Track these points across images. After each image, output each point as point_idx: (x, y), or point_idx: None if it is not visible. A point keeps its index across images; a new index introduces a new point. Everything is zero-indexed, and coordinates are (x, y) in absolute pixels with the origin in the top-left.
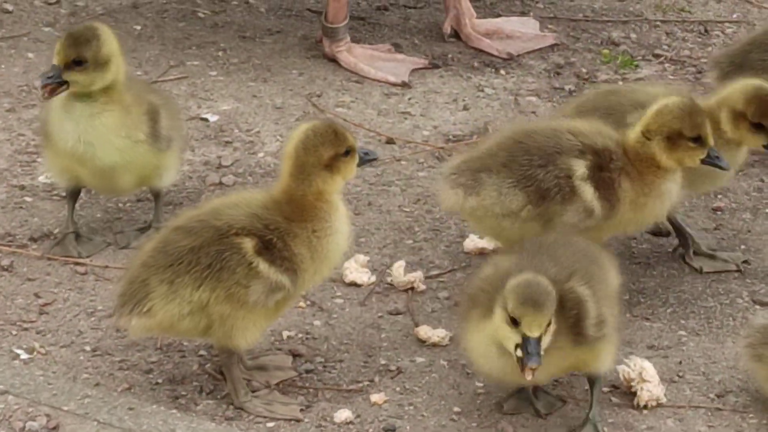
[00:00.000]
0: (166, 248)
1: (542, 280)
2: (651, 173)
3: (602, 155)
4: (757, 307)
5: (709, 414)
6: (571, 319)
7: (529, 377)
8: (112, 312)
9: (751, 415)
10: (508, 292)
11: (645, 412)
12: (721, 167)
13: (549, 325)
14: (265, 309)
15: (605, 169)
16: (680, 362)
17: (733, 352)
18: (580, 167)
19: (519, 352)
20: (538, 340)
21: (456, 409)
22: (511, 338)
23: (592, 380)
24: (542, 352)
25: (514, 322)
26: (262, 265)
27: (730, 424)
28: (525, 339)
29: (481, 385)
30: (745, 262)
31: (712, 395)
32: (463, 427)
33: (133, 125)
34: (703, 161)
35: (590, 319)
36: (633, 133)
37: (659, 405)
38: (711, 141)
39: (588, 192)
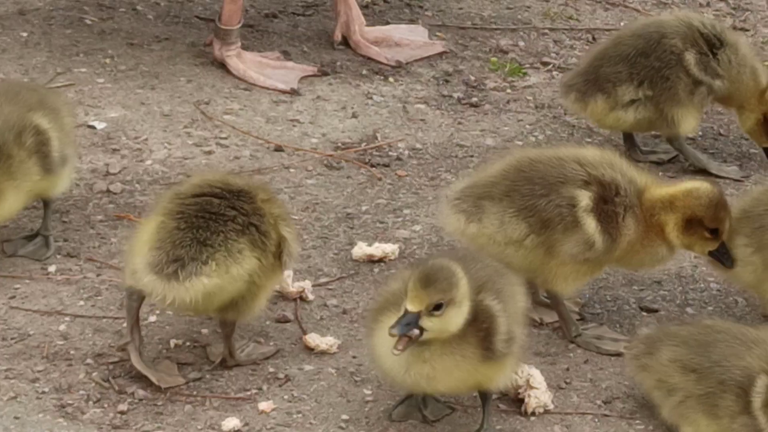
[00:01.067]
0: None
1: (452, 265)
2: (655, 233)
3: (608, 187)
4: (644, 313)
5: (596, 420)
6: (482, 333)
7: (395, 351)
8: None
9: (637, 421)
10: (414, 272)
11: (533, 418)
12: (726, 265)
13: (438, 308)
14: None
15: (610, 202)
16: (567, 369)
17: (619, 359)
18: (584, 198)
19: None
20: (416, 315)
21: (344, 416)
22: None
23: (485, 394)
24: (416, 332)
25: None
26: None
27: (617, 430)
28: (405, 311)
29: (370, 392)
30: None
31: (599, 401)
32: None
33: (23, 176)
34: (710, 253)
35: (500, 334)
36: (656, 192)
37: (547, 411)
38: (726, 237)
39: (590, 224)
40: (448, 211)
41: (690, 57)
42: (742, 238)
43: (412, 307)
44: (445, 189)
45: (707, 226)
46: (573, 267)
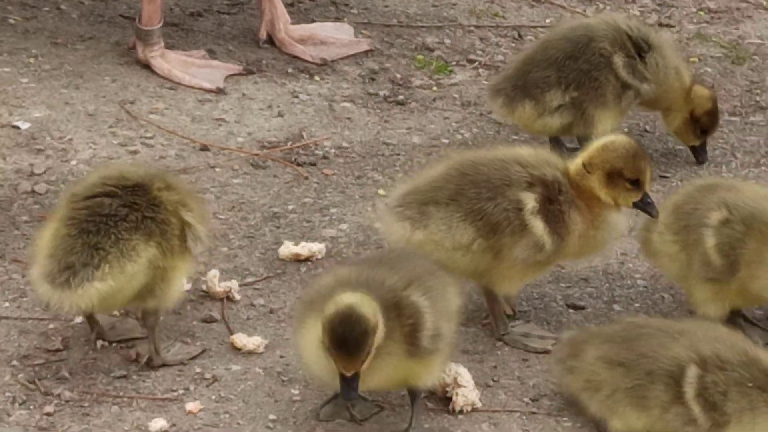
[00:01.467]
0: None
1: (357, 315)
2: (596, 205)
3: (551, 187)
4: (571, 311)
5: (524, 418)
6: (407, 328)
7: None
8: None
9: (565, 419)
10: (325, 325)
11: (460, 416)
12: (650, 214)
13: (367, 356)
14: None
15: (555, 201)
16: (495, 367)
17: (547, 357)
18: (530, 201)
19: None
20: (355, 376)
21: (272, 416)
22: (332, 368)
23: (414, 392)
24: (357, 386)
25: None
26: None
27: (544, 427)
28: (342, 376)
29: (297, 392)
30: (557, 265)
31: (526, 399)
32: None
33: None
34: (635, 204)
35: (426, 330)
36: (574, 165)
37: (474, 410)
38: (648, 187)
39: (538, 226)
40: (391, 219)
41: (618, 60)
42: (670, 234)
43: (349, 372)
44: (372, 188)
45: (627, 177)
46: (521, 269)
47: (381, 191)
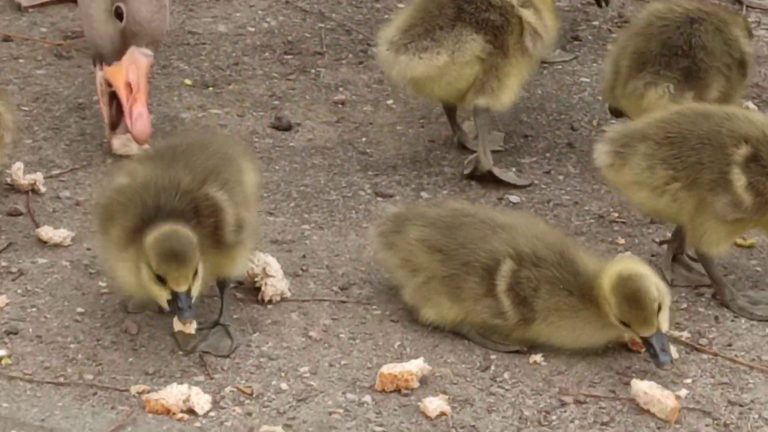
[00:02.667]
0: None
1: (180, 231)
2: None
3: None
4: (379, 199)
5: (334, 306)
6: (209, 228)
7: (190, 330)
8: None
9: (374, 307)
10: (150, 250)
11: (269, 306)
12: None
13: (196, 274)
14: None
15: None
16: (304, 256)
17: (356, 245)
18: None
19: (172, 307)
20: (188, 292)
21: (79, 309)
22: (162, 295)
23: (222, 283)
24: (192, 304)
25: (161, 280)
26: None
27: (354, 315)
28: (175, 294)
29: (105, 284)
30: (365, 153)
31: (335, 288)
32: (87, 328)
33: None
34: None
35: (229, 225)
36: None
37: (283, 299)
38: None
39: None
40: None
41: None
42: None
43: (181, 287)
44: (178, 78)
45: None
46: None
47: (187, 81)
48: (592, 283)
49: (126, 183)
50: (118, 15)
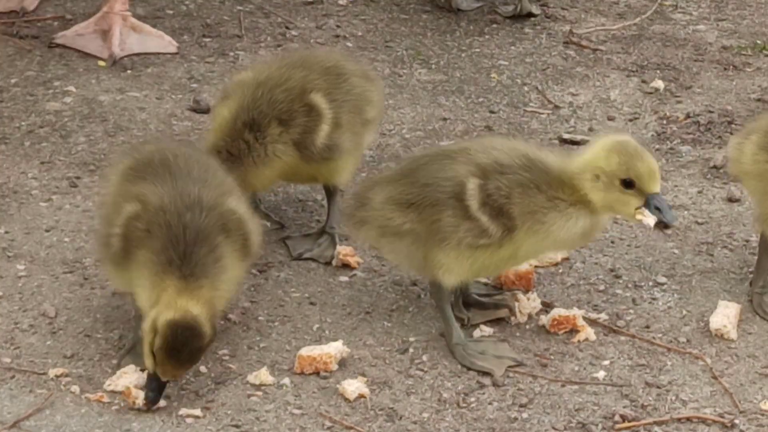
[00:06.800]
0: None
1: (198, 329)
2: None
3: None
4: None
5: (252, 289)
6: (239, 243)
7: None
8: None
9: (293, 289)
10: (162, 329)
11: None
12: None
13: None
14: None
15: None
16: None
17: (273, 226)
18: None
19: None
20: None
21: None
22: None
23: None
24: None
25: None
26: None
27: (272, 298)
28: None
29: (23, 267)
30: None
31: (254, 271)
32: (4, 311)
33: None
34: None
35: (255, 236)
36: None
37: None
38: None
39: None
40: None
41: None
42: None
43: (166, 378)
44: (95, 59)
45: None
46: None
47: (102, 62)
48: (564, 176)
49: (140, 209)
50: None
